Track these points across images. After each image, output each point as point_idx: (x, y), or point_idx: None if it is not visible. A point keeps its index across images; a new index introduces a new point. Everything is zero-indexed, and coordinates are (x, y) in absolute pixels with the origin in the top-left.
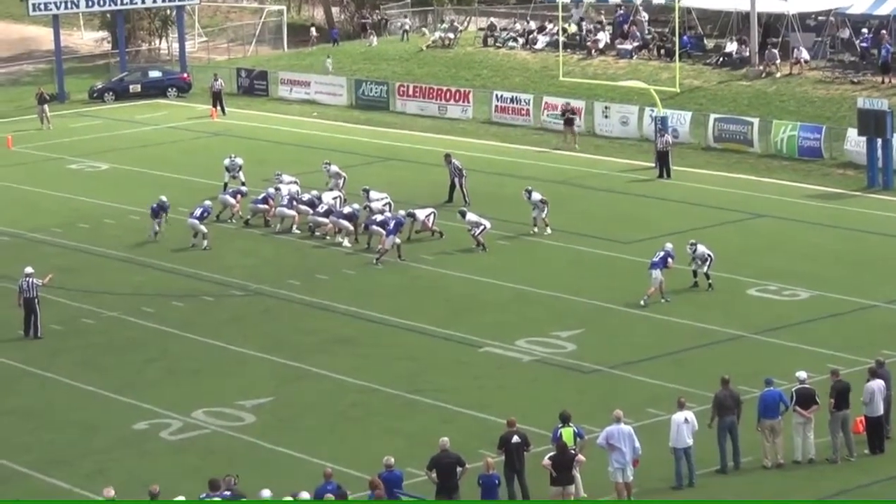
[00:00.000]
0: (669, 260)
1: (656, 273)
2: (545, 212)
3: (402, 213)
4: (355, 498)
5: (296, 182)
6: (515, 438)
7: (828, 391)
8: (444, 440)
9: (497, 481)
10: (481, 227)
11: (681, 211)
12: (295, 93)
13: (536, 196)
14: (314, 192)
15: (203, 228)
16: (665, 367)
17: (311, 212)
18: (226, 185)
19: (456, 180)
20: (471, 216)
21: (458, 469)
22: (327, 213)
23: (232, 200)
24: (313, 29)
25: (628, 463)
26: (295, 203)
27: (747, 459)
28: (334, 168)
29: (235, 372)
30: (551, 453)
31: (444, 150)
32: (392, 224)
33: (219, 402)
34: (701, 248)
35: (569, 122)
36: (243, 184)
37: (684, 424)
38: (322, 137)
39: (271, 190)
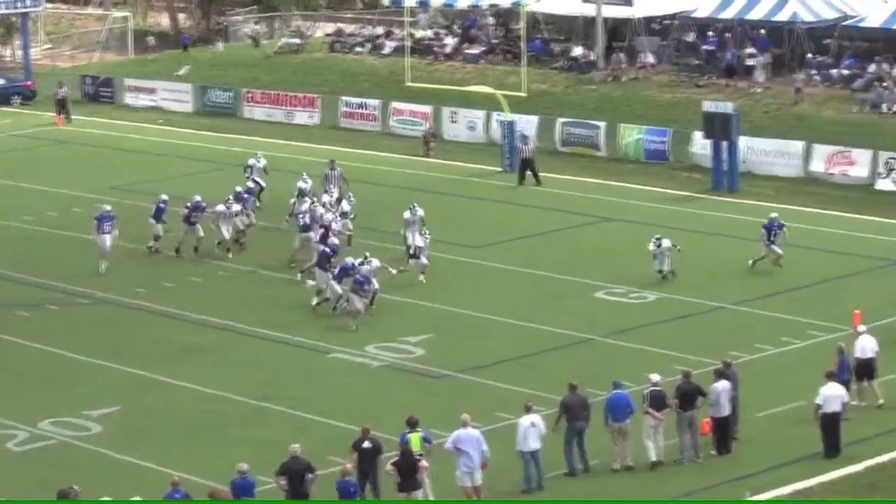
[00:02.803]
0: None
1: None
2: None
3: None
4: None
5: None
6: (367, 444)
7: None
8: (294, 447)
9: (353, 488)
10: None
11: (530, 215)
12: (141, 100)
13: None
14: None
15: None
16: (514, 371)
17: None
18: (259, 191)
19: (336, 189)
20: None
21: (309, 476)
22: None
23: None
24: (151, 38)
25: (477, 467)
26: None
27: (596, 462)
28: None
29: (82, 381)
30: (394, 459)
31: (291, 156)
32: (338, 269)
33: (65, 412)
34: (666, 242)
35: (428, 140)
36: (248, 191)
37: (531, 428)
38: (169, 144)
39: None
